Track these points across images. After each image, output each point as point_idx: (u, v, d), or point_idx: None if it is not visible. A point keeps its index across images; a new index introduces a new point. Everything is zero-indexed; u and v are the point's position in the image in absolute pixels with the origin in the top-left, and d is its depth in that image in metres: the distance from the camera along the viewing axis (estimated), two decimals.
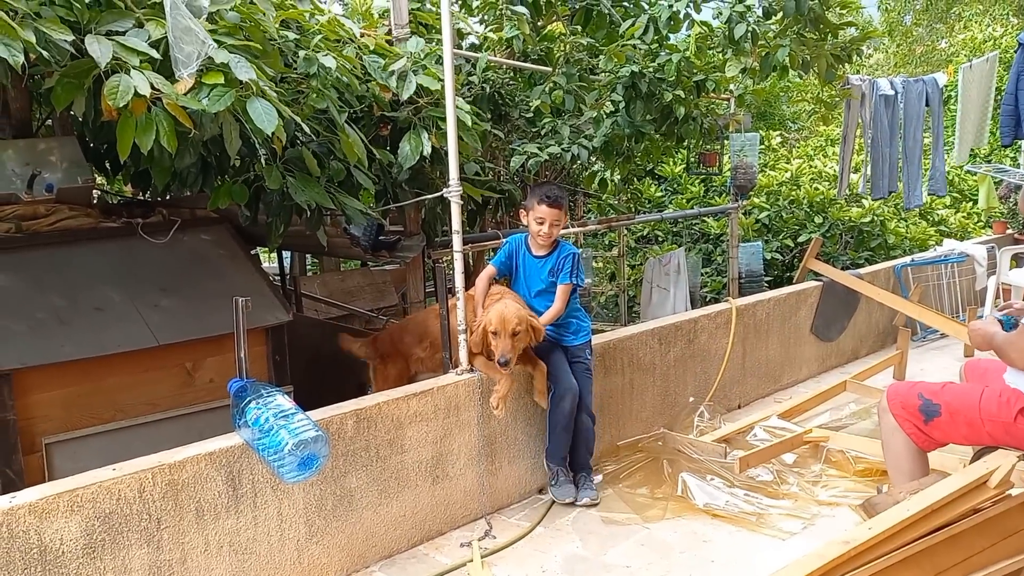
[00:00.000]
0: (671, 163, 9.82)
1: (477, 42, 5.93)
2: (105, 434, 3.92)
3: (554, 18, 6.26)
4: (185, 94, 3.00)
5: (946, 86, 7.96)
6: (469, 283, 3.95)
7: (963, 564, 2.53)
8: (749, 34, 5.02)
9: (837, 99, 7.22)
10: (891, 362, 5.63)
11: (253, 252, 5.09)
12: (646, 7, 5.80)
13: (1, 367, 3.58)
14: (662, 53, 5.42)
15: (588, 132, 5.54)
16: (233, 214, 4.67)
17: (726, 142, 7.26)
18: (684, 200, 9.63)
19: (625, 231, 7.69)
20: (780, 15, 5.26)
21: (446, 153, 3.78)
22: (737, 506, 3.83)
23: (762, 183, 9.30)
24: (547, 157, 5.34)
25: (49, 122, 5.06)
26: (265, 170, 3.62)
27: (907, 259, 7.34)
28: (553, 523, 3.82)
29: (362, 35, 4.19)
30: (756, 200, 9.16)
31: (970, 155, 9.11)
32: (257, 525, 3.10)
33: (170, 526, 2.88)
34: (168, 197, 5.09)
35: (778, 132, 12.86)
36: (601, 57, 5.45)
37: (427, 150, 4.13)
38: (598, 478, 4.16)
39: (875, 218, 8.80)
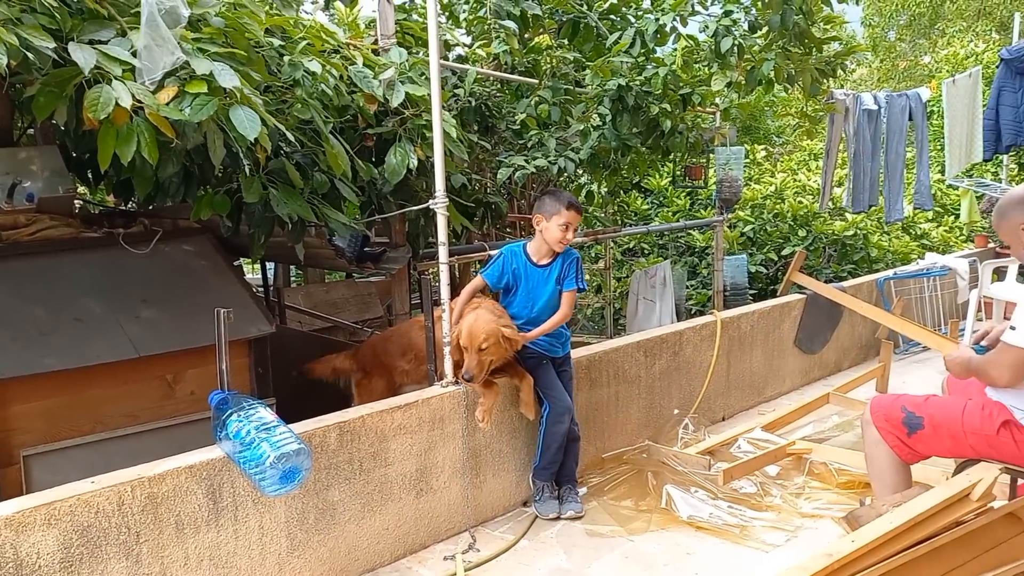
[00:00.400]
0: (657, 176, 9.86)
1: (464, 54, 5.95)
2: (85, 446, 3.87)
3: (541, 31, 6.28)
4: (167, 103, 2.98)
5: (929, 101, 8.03)
6: (455, 295, 3.93)
7: None
8: (735, 48, 5.05)
9: (821, 113, 7.27)
10: (874, 375, 5.66)
11: (236, 263, 5.06)
12: (633, 21, 5.83)
13: None
14: (649, 66, 5.45)
15: (575, 145, 5.55)
16: (215, 225, 4.64)
17: (712, 155, 7.30)
18: (670, 213, 9.66)
19: (611, 243, 7.70)
20: (765, 29, 5.29)
21: (432, 165, 3.77)
22: (721, 518, 3.82)
23: (747, 196, 9.35)
24: (534, 170, 5.35)
25: (31, 131, 5.02)
26: (244, 182, 3.60)
27: (890, 272, 7.39)
28: (537, 536, 3.80)
29: (348, 44, 4.18)
30: (741, 213, 9.20)
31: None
32: (238, 539, 3.07)
33: (149, 540, 2.84)
34: (150, 207, 5.06)
35: (763, 146, 12.95)
36: (588, 72, 5.47)
37: (413, 163, 4.12)
38: (583, 490, 4.15)
39: (858, 232, 8.85)
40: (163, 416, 4.11)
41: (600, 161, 5.75)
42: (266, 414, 3.05)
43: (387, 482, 3.52)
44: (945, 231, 10.38)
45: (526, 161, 5.32)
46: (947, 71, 14.43)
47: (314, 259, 5.25)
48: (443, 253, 3.76)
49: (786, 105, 12.80)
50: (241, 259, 5.49)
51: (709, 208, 9.43)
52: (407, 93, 4.08)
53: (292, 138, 3.60)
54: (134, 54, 3.00)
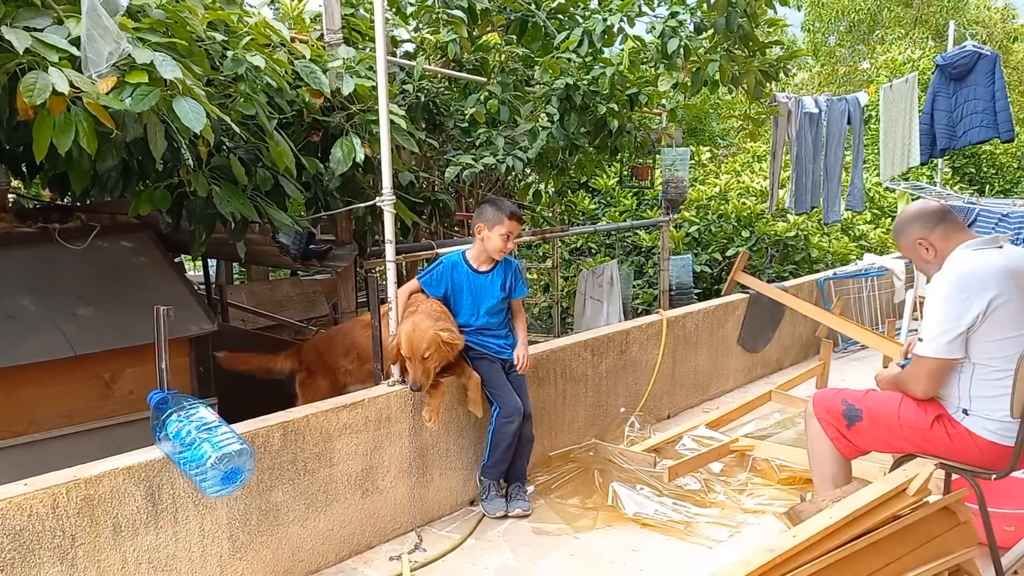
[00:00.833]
0: (604, 176, 9.93)
1: (412, 50, 5.90)
2: (18, 447, 3.75)
3: (489, 28, 6.27)
4: (107, 93, 2.89)
5: (867, 106, 8.22)
6: None
7: (883, 570, 2.59)
8: (681, 49, 5.10)
9: (764, 116, 7.40)
10: (814, 372, 5.78)
11: (177, 260, 4.95)
12: (581, 20, 5.85)
13: None
14: (596, 66, 5.48)
15: (523, 144, 5.55)
16: (155, 220, 4.53)
17: (658, 156, 7.37)
18: (617, 213, 9.74)
19: (559, 243, 7.74)
20: (711, 31, 5.36)
21: (379, 162, 3.74)
22: (666, 515, 3.87)
23: (692, 197, 9.47)
24: (482, 168, 5.33)
25: None
26: (193, 177, 3.52)
27: (829, 273, 7.56)
28: (484, 535, 3.79)
29: (293, 39, 4.12)
30: (686, 214, 9.32)
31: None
32: (178, 541, 3.00)
33: (85, 543, 2.76)
34: (87, 202, 4.92)
35: (708, 148, 13.14)
36: (536, 68, 5.48)
37: (360, 157, 4.07)
38: (530, 488, 4.15)
39: (799, 233, 9.04)
40: (100, 416, 4.01)
41: (548, 160, 5.77)
42: (207, 414, 2.99)
43: (332, 482, 3.48)
44: (883, 232, 10.66)
45: (474, 159, 5.30)
46: (885, 76, 14.84)
47: (258, 256, 5.17)
48: (390, 251, 3.72)
49: (730, 107, 13.01)
50: (182, 256, 5.38)
51: (655, 208, 9.54)
52: (356, 86, 4.03)
53: (238, 131, 3.53)
54: (72, 42, 2.90)
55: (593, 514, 3.94)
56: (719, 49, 5.37)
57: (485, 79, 5.55)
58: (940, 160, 9.12)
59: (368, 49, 4.67)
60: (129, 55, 2.93)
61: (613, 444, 4.62)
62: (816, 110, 7.48)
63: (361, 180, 4.64)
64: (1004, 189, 14.87)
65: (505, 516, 3.91)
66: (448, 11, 4.85)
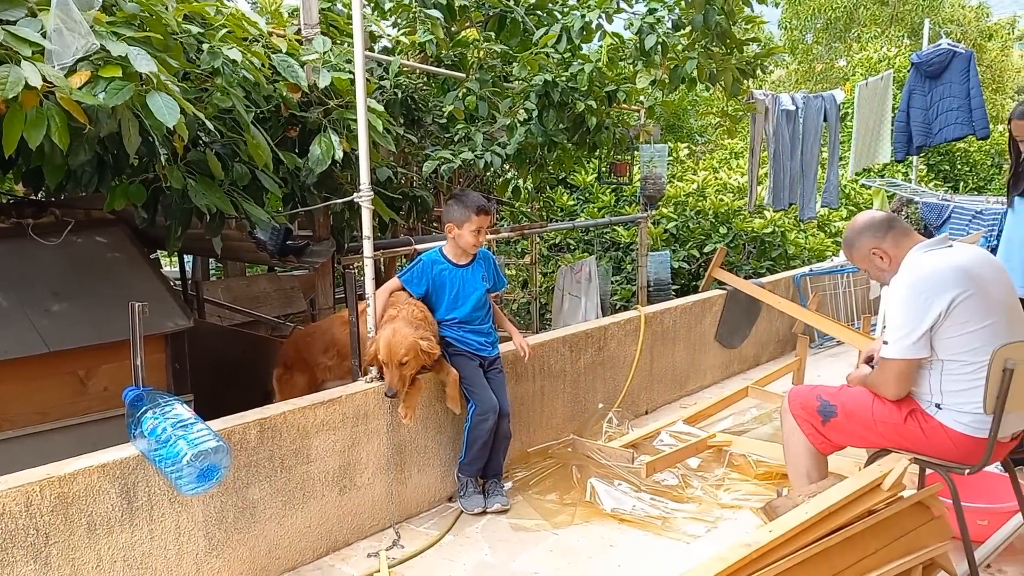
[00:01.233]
0: (583, 172, 9.95)
1: (389, 45, 5.87)
2: None
3: (467, 24, 6.25)
4: (80, 88, 2.86)
5: (843, 103, 8.28)
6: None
7: (858, 565, 2.62)
8: (659, 45, 5.11)
9: (742, 113, 7.44)
10: (790, 368, 5.82)
11: (152, 256, 4.90)
12: (559, 17, 5.85)
13: None
14: (575, 63, 5.48)
15: (501, 140, 5.54)
16: (130, 216, 4.48)
17: (636, 153, 7.39)
18: (595, 209, 9.76)
19: (537, 239, 7.74)
20: (689, 29, 5.38)
21: (357, 157, 3.72)
22: (643, 510, 3.88)
23: (670, 194, 9.51)
24: (460, 163, 5.32)
25: None
26: (168, 171, 3.48)
27: (806, 269, 7.62)
28: (462, 531, 3.79)
29: (271, 33, 4.09)
30: (664, 210, 9.35)
31: (865, 169, 9.53)
32: (153, 539, 2.98)
33: (59, 541, 2.74)
34: (62, 197, 4.86)
35: (686, 144, 13.19)
36: (515, 65, 5.47)
37: (339, 154, 4.04)
38: (508, 484, 4.16)
39: (776, 229, 9.10)
40: (75, 413, 3.97)
41: (527, 156, 5.77)
42: (183, 411, 2.97)
43: (309, 479, 3.46)
44: None
45: (452, 155, 5.29)
46: (861, 74, 14.96)
47: (234, 252, 5.13)
48: (368, 247, 3.71)
49: (708, 104, 13.07)
50: (158, 252, 5.33)
51: (634, 205, 9.56)
52: (333, 79, 4.00)
53: (212, 127, 3.49)
54: (45, 36, 2.86)
55: (571, 510, 3.95)
56: (697, 46, 5.39)
57: (463, 75, 5.53)
58: (915, 157, 9.22)
59: (346, 45, 4.65)
60: (103, 49, 2.90)
61: (591, 440, 4.63)
62: (793, 107, 7.53)
63: (339, 175, 4.62)
64: (978, 186, 15.06)
65: (483, 512, 3.92)
66: (425, 10, 4.83)
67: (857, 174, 10.76)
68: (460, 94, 5.26)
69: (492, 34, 5.97)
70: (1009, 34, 21.97)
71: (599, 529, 3.78)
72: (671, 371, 5.72)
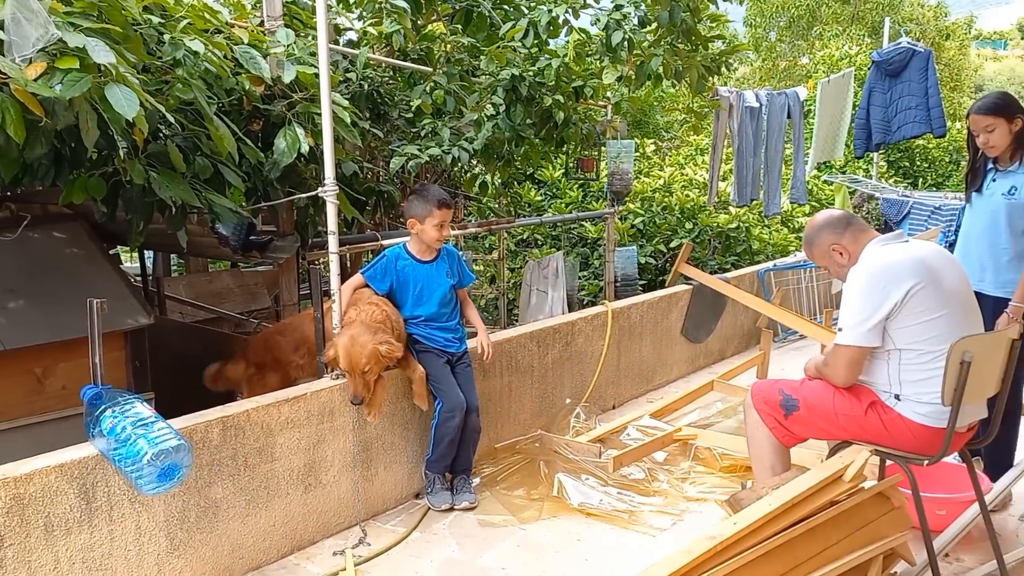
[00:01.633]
0: (550, 168, 9.95)
1: (356, 39, 5.82)
2: None
3: (434, 18, 6.22)
4: (36, 79, 2.79)
5: (806, 100, 8.37)
6: None
7: (821, 555, 2.64)
8: (626, 41, 5.13)
9: (707, 109, 7.49)
10: (754, 362, 5.88)
11: (112, 251, 4.82)
12: (526, 12, 5.84)
13: None
14: (542, 58, 5.47)
15: (469, 135, 5.53)
16: (89, 210, 4.39)
17: (603, 148, 7.41)
18: (563, 204, 9.77)
19: (505, 234, 7.72)
20: (655, 25, 5.40)
21: (322, 152, 3.68)
22: (610, 504, 3.90)
23: (637, 189, 9.54)
24: (427, 158, 5.29)
25: None
26: (128, 164, 3.41)
27: (770, 264, 7.70)
28: (429, 528, 3.77)
29: (233, 25, 4.02)
30: (631, 206, 9.39)
31: (825, 165, 9.65)
32: (113, 540, 2.92)
33: (15, 544, 2.67)
34: (18, 191, 4.75)
35: (652, 140, 13.26)
36: (482, 59, 5.45)
37: (304, 148, 3.99)
38: (476, 481, 4.14)
39: (741, 225, 9.18)
40: (31, 412, 3.89)
41: (494, 151, 5.75)
42: (143, 409, 2.91)
43: (274, 477, 3.43)
44: None
45: (420, 150, 5.26)
46: (823, 71, 15.15)
47: (196, 247, 5.05)
48: (333, 243, 3.67)
49: (674, 101, 13.15)
50: (118, 247, 5.23)
51: (601, 200, 9.60)
52: (298, 73, 3.95)
53: (172, 120, 3.43)
54: (2, 27, 2.79)
55: (539, 505, 3.95)
56: (663, 43, 5.42)
57: (430, 69, 5.50)
58: (876, 154, 9.35)
59: (311, 38, 4.59)
60: (60, 40, 2.83)
61: (559, 435, 4.64)
62: (757, 104, 7.59)
63: (303, 170, 4.56)
64: (937, 182, 15.34)
65: (451, 509, 3.90)
66: (391, 1, 4.79)
67: (819, 170, 10.89)
68: (427, 88, 5.23)
69: (459, 27, 5.95)
70: (966, 34, 22.42)
71: (566, 524, 3.79)
72: (638, 366, 5.75)
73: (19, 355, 3.80)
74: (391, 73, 5.85)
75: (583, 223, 9.25)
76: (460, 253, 4.08)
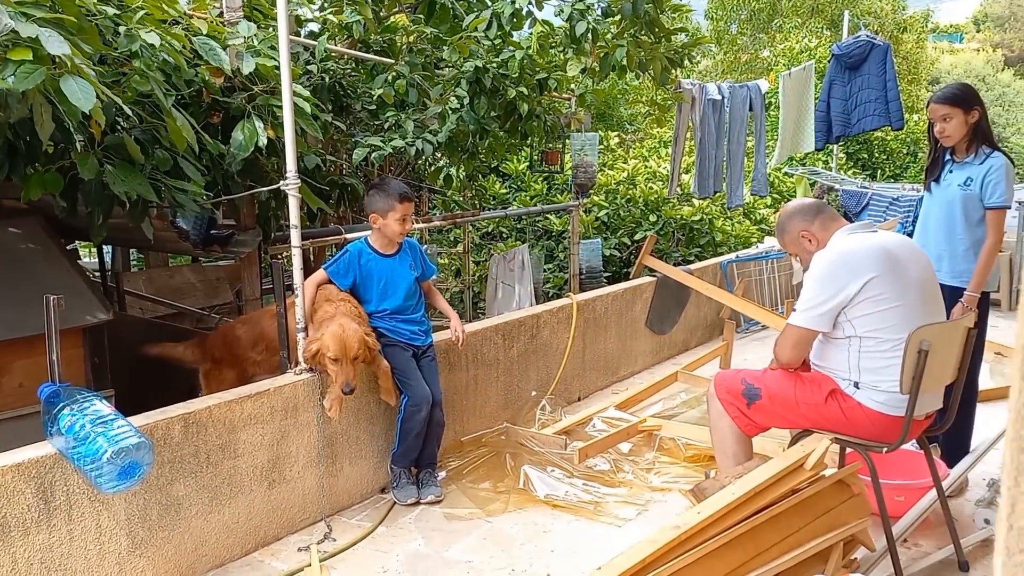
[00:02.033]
0: (515, 161, 9.94)
1: (317, 29, 5.76)
2: None
3: (397, 9, 6.17)
4: None
5: (767, 93, 8.46)
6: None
7: (783, 543, 2.69)
8: (589, 32, 5.13)
9: (670, 102, 7.53)
10: (718, 352, 5.95)
11: (70, 247, 4.72)
12: (489, 3, 5.82)
13: None
14: (506, 50, 5.46)
15: (433, 127, 5.50)
16: (47, 205, 4.30)
17: (567, 141, 7.42)
18: (528, 197, 9.77)
19: (470, 227, 7.71)
20: (618, 17, 5.41)
21: (283, 145, 3.64)
22: (576, 496, 3.92)
23: (601, 182, 9.58)
24: (391, 151, 5.25)
25: None
26: (79, 158, 3.34)
27: (732, 255, 7.78)
28: (395, 522, 3.77)
29: (191, 15, 3.96)
30: (596, 198, 9.42)
31: (789, 158, 9.76)
32: (73, 540, 2.87)
33: None
34: None
35: (616, 133, 13.31)
36: (446, 50, 5.42)
37: (262, 140, 3.94)
38: (441, 474, 4.14)
39: (704, 217, 9.26)
40: None
41: (458, 144, 5.73)
42: (102, 407, 2.87)
43: (237, 474, 3.39)
44: None
45: (383, 142, 5.22)
46: (784, 64, 15.30)
47: (156, 242, 4.97)
48: (295, 236, 3.64)
49: (638, 93, 13.20)
50: (76, 242, 5.13)
51: (565, 193, 9.61)
52: (258, 65, 3.90)
53: (130, 112, 3.36)
54: None
55: (505, 497, 3.96)
56: (626, 35, 5.43)
57: (392, 60, 5.46)
58: (836, 146, 9.47)
59: (271, 29, 4.53)
60: (12, 31, 2.76)
61: (524, 428, 4.65)
62: (719, 96, 7.65)
63: (264, 163, 4.51)
64: (894, 174, 15.59)
65: (417, 503, 3.90)
66: None
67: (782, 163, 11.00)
68: (389, 77, 5.19)
69: (421, 18, 5.91)
70: (923, 27, 22.76)
71: (532, 516, 3.80)
72: (603, 358, 5.78)
73: None
74: (353, 65, 5.80)
75: (548, 216, 9.26)
76: (423, 246, 4.07)
